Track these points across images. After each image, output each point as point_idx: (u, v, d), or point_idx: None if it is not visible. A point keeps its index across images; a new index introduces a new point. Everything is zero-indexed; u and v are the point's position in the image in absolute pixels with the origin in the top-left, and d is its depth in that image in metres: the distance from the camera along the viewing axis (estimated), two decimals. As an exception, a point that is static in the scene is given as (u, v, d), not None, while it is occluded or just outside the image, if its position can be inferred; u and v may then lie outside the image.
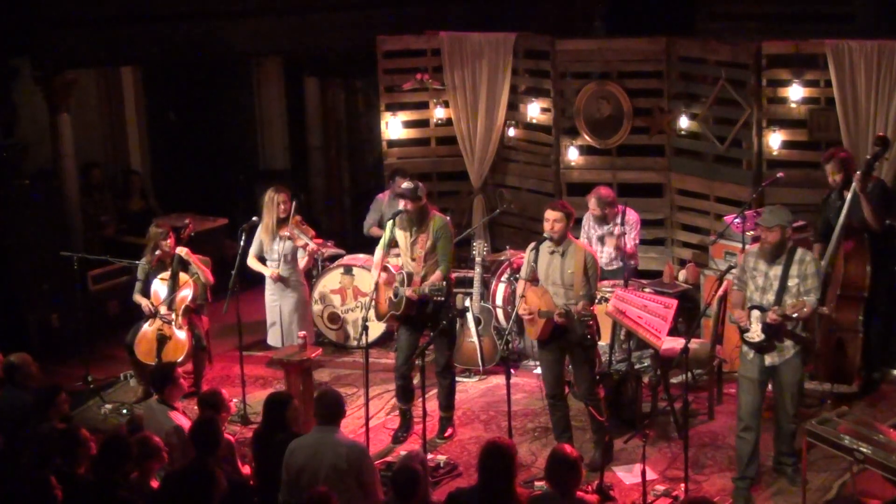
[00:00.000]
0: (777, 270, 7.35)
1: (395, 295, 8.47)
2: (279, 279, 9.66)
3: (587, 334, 7.80)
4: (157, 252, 9.49)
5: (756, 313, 7.37)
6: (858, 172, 8.49)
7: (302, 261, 9.83)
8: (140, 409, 8.88)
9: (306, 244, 9.67)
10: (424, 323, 8.52)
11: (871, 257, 8.53)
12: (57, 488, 6.19)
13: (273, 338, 9.88)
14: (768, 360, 7.41)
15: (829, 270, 8.55)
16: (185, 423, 7.33)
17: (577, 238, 8.20)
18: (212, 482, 6.03)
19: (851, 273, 8.52)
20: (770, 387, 7.58)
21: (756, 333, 7.37)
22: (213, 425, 6.76)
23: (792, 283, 7.31)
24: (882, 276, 8.68)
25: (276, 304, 9.79)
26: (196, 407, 7.63)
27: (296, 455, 6.56)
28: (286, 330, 9.72)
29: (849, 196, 8.52)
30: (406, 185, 8.48)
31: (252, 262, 9.71)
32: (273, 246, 9.66)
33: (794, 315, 7.20)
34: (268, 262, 9.77)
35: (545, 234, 7.84)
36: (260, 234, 9.67)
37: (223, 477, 6.18)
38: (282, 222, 9.65)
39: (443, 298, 8.28)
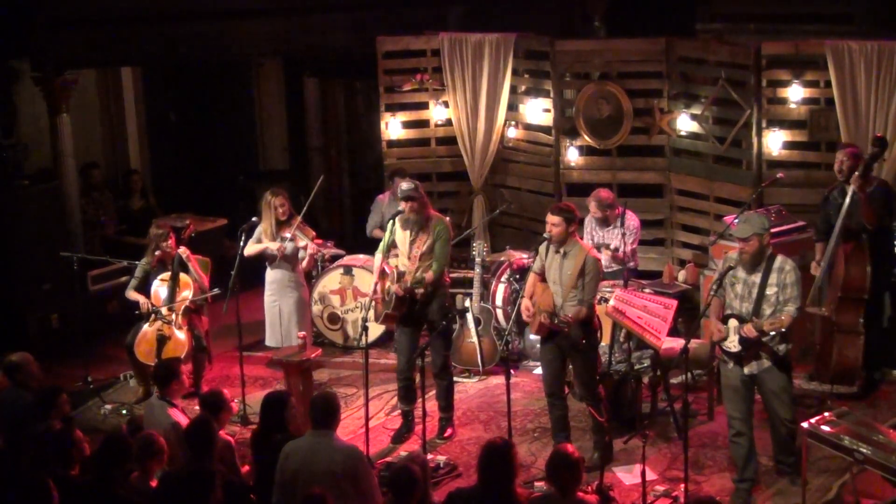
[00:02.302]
0: (756, 278, 7.27)
1: (387, 293, 8.50)
2: (281, 259, 9.60)
3: (582, 338, 7.79)
4: (158, 253, 9.49)
5: (734, 323, 7.29)
6: (856, 174, 8.49)
7: (303, 262, 9.82)
8: (141, 409, 8.88)
9: (307, 245, 9.68)
10: (420, 322, 8.55)
11: (871, 258, 8.53)
12: (53, 489, 6.18)
13: (272, 338, 9.88)
14: (747, 369, 7.35)
15: (828, 271, 8.55)
16: (184, 421, 7.31)
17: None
18: (209, 483, 6.01)
19: (852, 275, 8.50)
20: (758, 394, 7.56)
21: (733, 344, 7.31)
22: (208, 427, 6.70)
23: (770, 291, 7.23)
24: (880, 277, 8.68)
25: (276, 304, 9.79)
26: (197, 407, 7.62)
27: (290, 459, 6.46)
28: (286, 330, 9.72)
29: (847, 198, 8.52)
30: (405, 185, 8.50)
31: (250, 248, 9.58)
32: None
33: (772, 332, 7.17)
34: (268, 265, 9.77)
35: (545, 236, 7.87)
36: (259, 237, 9.66)
37: (220, 479, 6.17)
38: (281, 224, 9.65)
39: (422, 290, 8.33)
